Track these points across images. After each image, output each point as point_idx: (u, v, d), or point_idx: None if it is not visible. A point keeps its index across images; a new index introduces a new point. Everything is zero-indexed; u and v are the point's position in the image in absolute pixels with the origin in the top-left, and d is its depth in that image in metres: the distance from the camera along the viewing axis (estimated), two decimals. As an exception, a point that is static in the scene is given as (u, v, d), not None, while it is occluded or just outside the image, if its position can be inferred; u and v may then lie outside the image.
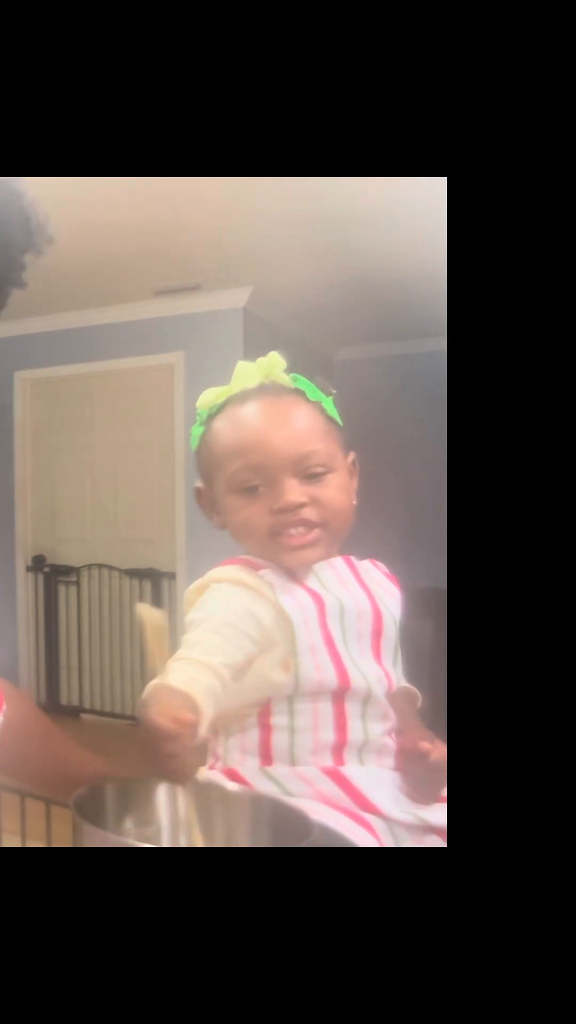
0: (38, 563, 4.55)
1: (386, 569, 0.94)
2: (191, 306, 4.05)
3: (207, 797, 0.79)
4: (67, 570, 4.49)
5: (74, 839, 0.69)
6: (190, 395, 4.04)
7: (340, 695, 0.81)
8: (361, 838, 0.76)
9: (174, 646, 0.76)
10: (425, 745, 0.80)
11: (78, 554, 4.49)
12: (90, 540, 4.49)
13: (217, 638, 0.78)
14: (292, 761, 0.81)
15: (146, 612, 0.70)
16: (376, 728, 0.83)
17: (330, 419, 0.87)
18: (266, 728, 0.83)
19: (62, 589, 4.53)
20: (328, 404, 0.88)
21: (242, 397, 0.86)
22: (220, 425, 0.87)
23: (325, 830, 0.73)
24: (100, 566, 4.41)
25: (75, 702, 4.43)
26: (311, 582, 0.85)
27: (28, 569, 4.57)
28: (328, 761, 0.81)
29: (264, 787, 0.80)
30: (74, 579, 4.49)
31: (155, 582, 4.24)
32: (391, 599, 0.90)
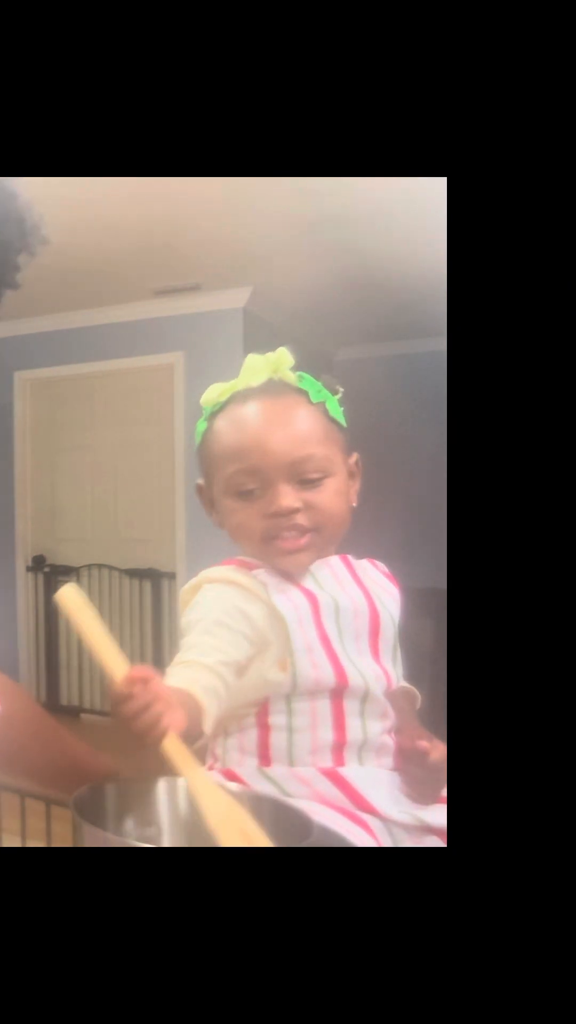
0: (38, 563, 4.55)
1: (385, 568, 0.94)
2: (191, 306, 4.05)
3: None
4: (67, 570, 4.49)
5: (74, 839, 0.69)
6: (190, 395, 4.04)
7: (338, 693, 0.81)
8: (359, 838, 0.76)
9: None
10: (424, 744, 0.80)
11: (78, 554, 4.49)
12: (90, 540, 4.49)
13: (212, 639, 0.79)
14: (291, 761, 0.81)
15: (63, 596, 0.69)
16: (375, 727, 0.83)
17: (332, 421, 0.87)
18: (264, 728, 0.82)
19: (62, 589, 4.53)
20: (333, 405, 0.88)
21: (244, 396, 0.86)
22: (220, 425, 0.87)
23: (323, 830, 0.73)
24: (100, 566, 4.40)
25: (75, 702, 4.43)
26: (307, 581, 0.85)
27: (28, 569, 4.57)
28: (327, 761, 0.81)
29: (262, 788, 0.80)
30: (74, 579, 4.49)
31: (155, 582, 4.24)
32: (389, 598, 0.90)
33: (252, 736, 0.83)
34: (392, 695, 0.87)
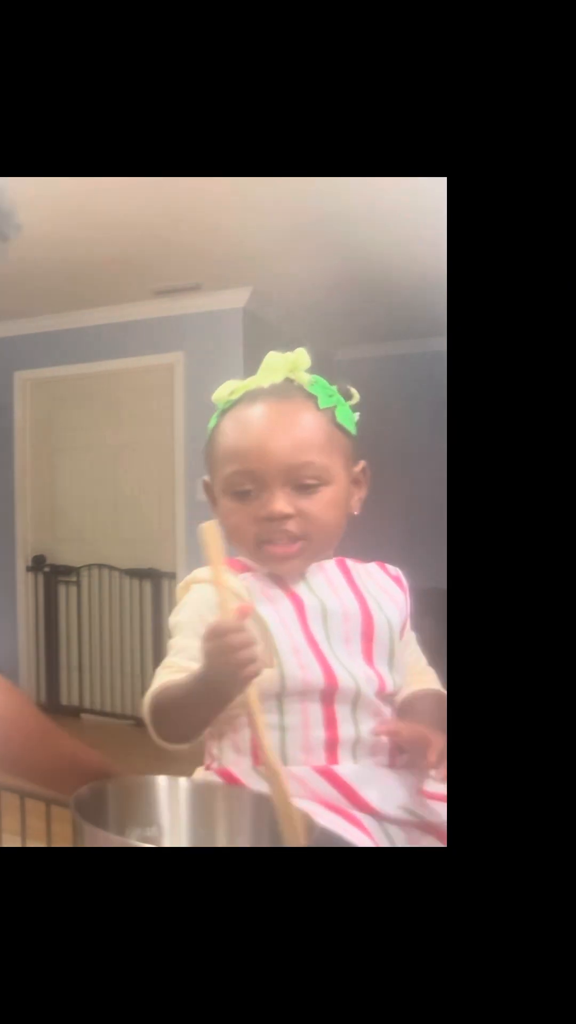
0: (38, 563, 4.55)
1: (396, 573, 0.94)
2: (191, 306, 4.05)
3: (210, 797, 0.80)
4: (67, 570, 4.49)
5: (74, 839, 0.69)
6: (190, 395, 4.04)
7: (329, 695, 0.82)
8: (353, 836, 0.76)
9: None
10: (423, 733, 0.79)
11: (78, 554, 4.49)
12: (90, 540, 4.48)
13: (198, 640, 0.79)
14: (284, 760, 0.81)
15: (209, 529, 0.75)
16: (368, 726, 0.83)
17: (338, 428, 0.86)
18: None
19: (62, 589, 4.53)
20: (343, 412, 0.87)
21: (254, 396, 0.86)
22: (226, 424, 0.87)
23: (320, 830, 0.73)
24: (100, 566, 4.40)
25: (75, 702, 4.43)
26: (297, 586, 0.86)
27: (28, 569, 4.57)
28: (320, 759, 0.81)
29: (258, 787, 0.80)
30: (74, 579, 4.49)
31: (155, 582, 4.24)
32: (389, 602, 0.89)
33: (245, 736, 0.84)
34: (411, 701, 0.87)
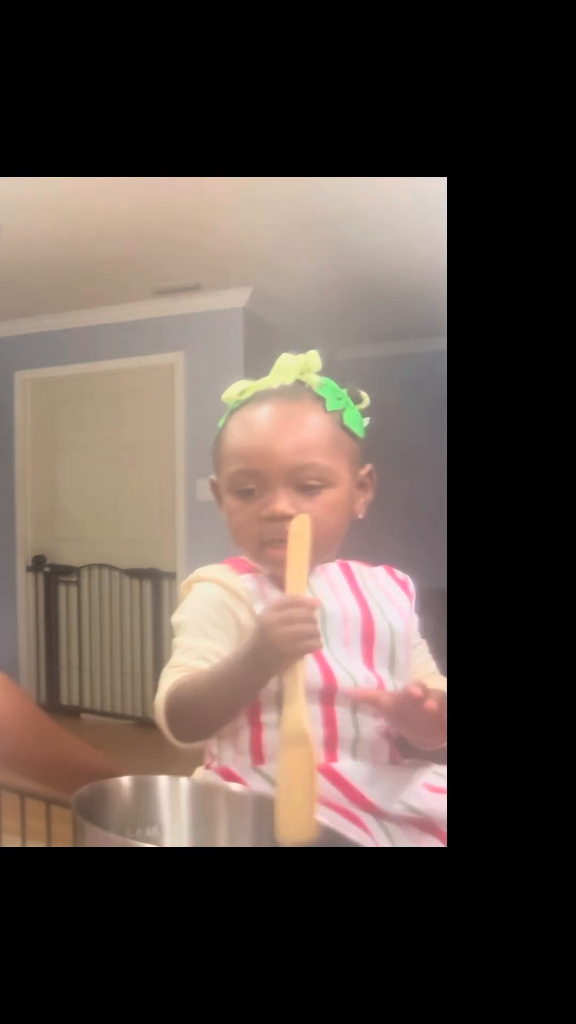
0: (38, 563, 4.55)
1: (402, 577, 0.94)
2: (191, 306, 4.05)
3: (211, 797, 0.80)
4: (67, 570, 4.49)
5: (75, 839, 0.69)
6: (190, 395, 4.05)
7: (328, 695, 0.82)
8: (353, 834, 0.76)
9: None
10: (416, 690, 0.77)
11: (78, 554, 4.49)
12: (90, 540, 4.49)
13: (205, 640, 0.81)
14: None
15: (300, 522, 0.77)
16: (368, 724, 0.83)
17: (344, 431, 0.86)
18: (257, 727, 0.83)
19: (62, 589, 4.53)
20: (351, 415, 0.87)
21: (262, 397, 0.86)
22: (233, 424, 0.88)
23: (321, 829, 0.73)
24: (100, 566, 4.40)
25: (75, 702, 4.43)
26: None
27: (28, 569, 4.57)
28: (320, 757, 0.81)
29: (258, 785, 0.80)
30: (74, 579, 4.49)
31: (155, 582, 4.24)
32: (392, 606, 0.89)
33: (245, 735, 0.84)
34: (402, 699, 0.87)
